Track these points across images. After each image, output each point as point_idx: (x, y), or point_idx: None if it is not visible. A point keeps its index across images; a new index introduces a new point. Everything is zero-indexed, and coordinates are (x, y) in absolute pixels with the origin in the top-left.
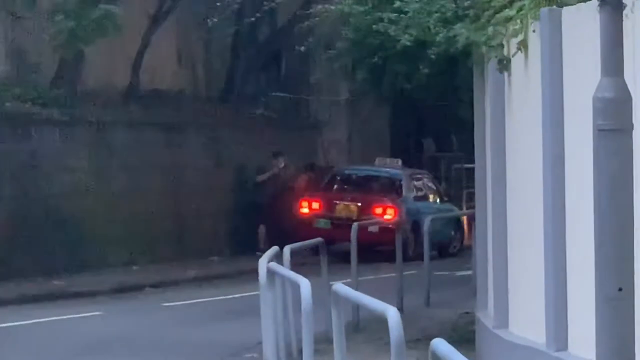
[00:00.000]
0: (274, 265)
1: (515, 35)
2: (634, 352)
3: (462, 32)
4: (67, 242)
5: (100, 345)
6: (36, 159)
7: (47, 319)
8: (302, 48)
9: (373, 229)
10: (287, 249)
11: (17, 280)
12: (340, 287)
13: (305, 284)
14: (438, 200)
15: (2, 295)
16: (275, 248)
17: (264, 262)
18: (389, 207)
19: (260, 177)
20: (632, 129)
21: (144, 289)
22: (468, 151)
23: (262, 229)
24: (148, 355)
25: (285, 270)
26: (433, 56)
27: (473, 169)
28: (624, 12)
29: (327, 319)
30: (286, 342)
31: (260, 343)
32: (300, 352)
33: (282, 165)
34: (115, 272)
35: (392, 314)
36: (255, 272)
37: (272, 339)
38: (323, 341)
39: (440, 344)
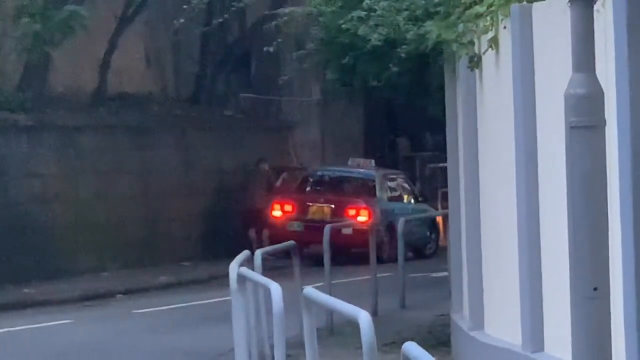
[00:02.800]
0: (244, 270)
1: (485, 32)
2: (610, 352)
3: (432, 29)
4: (36, 249)
5: (71, 354)
6: (3, 165)
7: (17, 328)
8: (271, 48)
9: (346, 231)
10: (257, 253)
11: None
12: (310, 291)
13: (275, 289)
14: (413, 201)
15: None
16: (246, 252)
17: (234, 267)
18: (363, 208)
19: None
20: (605, 125)
21: (114, 296)
22: (443, 150)
23: (252, 233)
24: None
25: (256, 275)
26: (403, 55)
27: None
28: (595, 7)
29: (301, 323)
30: (259, 348)
31: (233, 349)
32: (273, 358)
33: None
34: (85, 279)
35: (363, 317)
36: (227, 277)
37: (244, 345)
38: (297, 346)
39: (411, 348)
